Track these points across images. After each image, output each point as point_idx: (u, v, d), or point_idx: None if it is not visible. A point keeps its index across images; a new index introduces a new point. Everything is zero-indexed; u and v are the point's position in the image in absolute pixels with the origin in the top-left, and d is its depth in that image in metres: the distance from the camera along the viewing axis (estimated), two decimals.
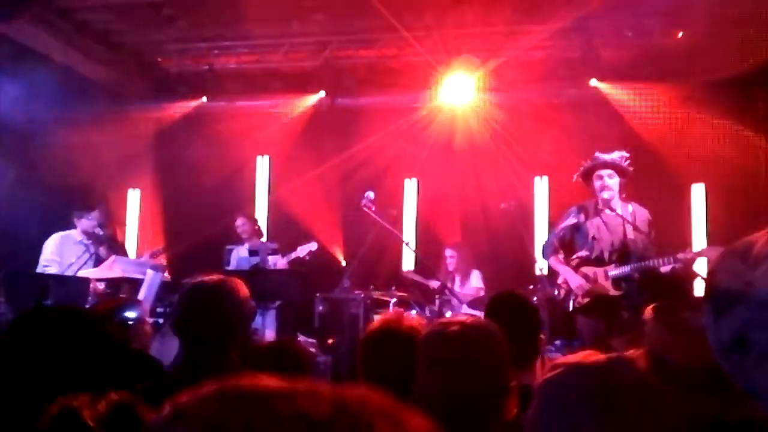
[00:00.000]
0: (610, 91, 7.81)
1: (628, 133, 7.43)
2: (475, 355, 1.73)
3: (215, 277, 2.49)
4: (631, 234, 5.34)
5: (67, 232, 6.52)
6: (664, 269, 5.12)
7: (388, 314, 2.47)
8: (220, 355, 2.33)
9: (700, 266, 7.02)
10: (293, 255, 7.02)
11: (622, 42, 7.80)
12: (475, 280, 7.25)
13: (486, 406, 1.69)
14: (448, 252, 7.38)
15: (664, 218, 6.32)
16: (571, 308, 5.43)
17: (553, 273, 5.66)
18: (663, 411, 1.15)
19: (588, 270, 5.37)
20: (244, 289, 2.46)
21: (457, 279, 7.31)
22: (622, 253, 5.35)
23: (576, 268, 5.42)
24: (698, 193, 7.98)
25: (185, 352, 2.41)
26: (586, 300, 5.33)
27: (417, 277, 7.30)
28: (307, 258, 7.03)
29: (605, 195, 5.34)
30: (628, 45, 7.82)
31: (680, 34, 7.60)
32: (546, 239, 5.87)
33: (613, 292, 5.29)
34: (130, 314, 3.29)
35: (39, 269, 6.40)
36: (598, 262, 5.38)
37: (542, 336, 2.76)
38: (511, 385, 1.77)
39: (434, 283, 6.97)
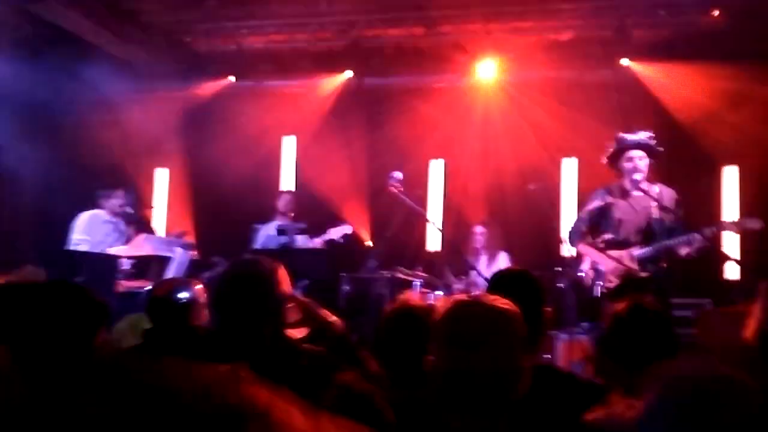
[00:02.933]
0: (642, 70, 7.68)
1: (659, 114, 7.30)
2: (488, 336, 1.71)
3: (257, 257, 2.60)
4: (656, 214, 5.28)
5: (95, 211, 6.60)
6: (686, 250, 5.05)
7: (406, 295, 2.48)
8: (252, 330, 2.39)
9: (732, 248, 6.94)
10: (326, 237, 7.02)
11: (655, 20, 7.65)
12: (503, 262, 7.19)
13: (499, 386, 1.68)
14: (478, 229, 7.29)
15: (695, 201, 6.23)
16: (598, 294, 5.38)
17: (580, 257, 5.62)
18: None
19: (614, 253, 5.33)
20: (282, 272, 2.53)
21: (484, 259, 7.23)
22: (647, 233, 5.29)
23: (602, 251, 5.37)
24: (730, 175, 7.83)
25: (220, 325, 2.53)
26: (613, 284, 5.29)
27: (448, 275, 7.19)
28: (342, 241, 7.04)
29: (636, 176, 5.26)
30: (661, 23, 7.67)
31: (716, 13, 7.43)
32: (572, 225, 5.80)
33: (641, 273, 5.24)
34: (183, 295, 3.35)
35: (71, 247, 6.49)
36: (625, 244, 5.33)
37: (547, 310, 2.70)
38: (525, 366, 1.77)
39: (457, 285, 6.88)
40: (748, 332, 2.22)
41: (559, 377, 2.43)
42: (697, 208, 6.42)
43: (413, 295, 2.50)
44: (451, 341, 1.73)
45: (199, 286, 3.46)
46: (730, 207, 7.68)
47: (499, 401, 1.70)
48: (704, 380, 1.20)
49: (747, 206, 7.43)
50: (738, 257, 6.70)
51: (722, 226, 5.27)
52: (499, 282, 2.77)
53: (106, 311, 2.10)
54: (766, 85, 7.16)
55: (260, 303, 2.47)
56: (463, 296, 1.90)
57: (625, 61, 7.68)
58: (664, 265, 5.31)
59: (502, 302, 1.81)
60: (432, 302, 2.80)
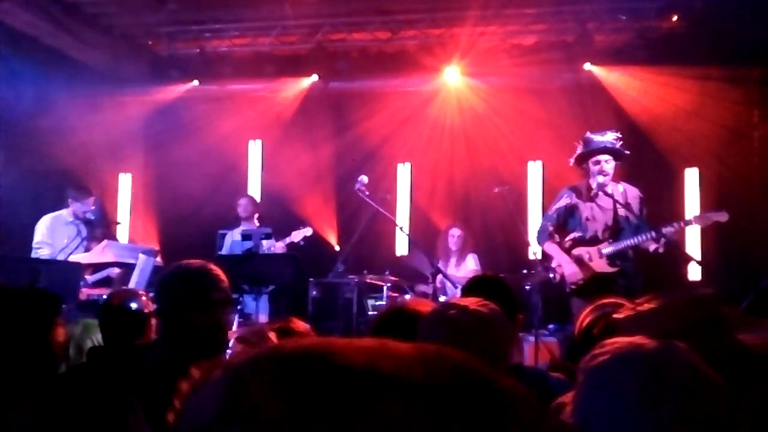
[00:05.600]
0: (604, 75, 7.79)
1: (622, 117, 7.41)
2: (469, 340, 1.69)
3: (192, 262, 2.59)
4: (622, 213, 5.37)
5: (57, 213, 6.46)
6: (654, 246, 5.14)
7: (405, 299, 2.46)
8: (192, 336, 2.40)
9: (694, 248, 7.07)
10: (288, 240, 7.00)
11: (616, 26, 7.78)
12: (471, 264, 7.22)
13: None
14: (455, 231, 7.26)
15: (656, 203, 6.33)
16: (567, 290, 5.45)
17: (547, 257, 5.67)
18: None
19: (581, 251, 5.40)
20: (211, 276, 2.52)
21: (453, 261, 7.25)
22: (615, 230, 5.39)
23: (570, 249, 5.44)
24: (692, 177, 7.98)
25: (164, 334, 2.56)
26: (582, 281, 5.36)
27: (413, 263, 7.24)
28: (302, 243, 7.02)
29: (601, 179, 5.34)
30: (622, 28, 7.80)
31: (675, 18, 7.57)
32: (540, 224, 5.87)
33: (608, 269, 5.31)
34: (133, 305, 3.35)
35: (32, 252, 6.34)
36: (592, 242, 5.40)
37: (520, 316, 2.74)
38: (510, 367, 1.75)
39: (424, 289, 6.94)
40: None
41: (530, 376, 2.45)
42: (659, 209, 6.53)
43: (416, 299, 2.48)
44: (431, 341, 1.71)
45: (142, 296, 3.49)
46: (691, 208, 7.82)
47: None
48: (655, 351, 1.20)
49: (707, 207, 7.57)
50: (699, 258, 6.83)
51: (689, 220, 5.37)
52: (473, 287, 2.78)
53: (57, 304, 2.07)
54: (724, 89, 7.32)
55: (201, 295, 2.48)
56: (449, 301, 1.88)
57: (587, 66, 7.78)
58: (632, 261, 5.41)
59: (487, 308, 1.78)
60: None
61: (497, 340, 1.72)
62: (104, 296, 5.98)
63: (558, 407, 1.89)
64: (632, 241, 5.26)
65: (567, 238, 5.48)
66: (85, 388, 1.89)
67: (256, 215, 7.55)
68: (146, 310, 3.41)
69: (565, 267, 5.40)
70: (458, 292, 6.36)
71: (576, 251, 5.42)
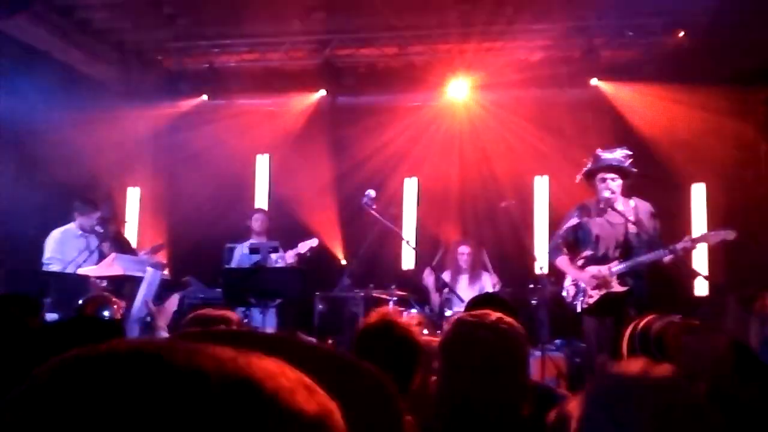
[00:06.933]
0: (610, 90, 7.81)
1: (628, 133, 7.42)
2: (496, 360, 1.71)
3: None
4: (633, 229, 5.37)
5: (66, 226, 6.51)
6: (667, 259, 5.15)
7: (382, 310, 2.45)
8: None
9: (701, 263, 7.05)
10: (295, 251, 7.03)
11: (623, 41, 7.81)
12: (488, 283, 7.12)
13: (505, 406, 1.68)
14: (463, 248, 7.13)
15: (663, 218, 6.32)
16: (579, 309, 5.44)
17: (556, 273, 5.68)
18: None
19: (593, 269, 5.41)
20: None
21: (465, 278, 7.17)
22: (626, 248, 5.38)
23: (582, 268, 5.45)
24: (698, 193, 7.97)
25: None
26: (594, 299, 5.35)
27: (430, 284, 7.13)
28: (308, 254, 7.03)
29: (607, 195, 5.36)
30: (629, 44, 7.82)
31: (681, 34, 7.60)
32: (551, 242, 5.88)
33: (618, 288, 5.31)
34: (106, 313, 3.37)
35: (43, 268, 6.38)
36: (604, 259, 5.41)
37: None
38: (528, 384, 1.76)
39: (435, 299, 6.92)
40: (721, 346, 2.24)
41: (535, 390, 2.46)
42: (666, 224, 6.52)
43: (391, 310, 2.46)
44: (460, 364, 1.71)
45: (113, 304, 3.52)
46: (698, 224, 7.81)
47: (509, 422, 1.69)
48: (666, 384, 1.21)
49: (714, 223, 7.56)
50: (706, 273, 6.81)
51: (697, 238, 5.37)
52: (475, 306, 2.81)
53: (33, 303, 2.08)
54: (731, 103, 7.33)
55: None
56: (468, 317, 1.88)
57: (594, 81, 7.81)
58: (644, 278, 5.40)
59: (506, 321, 1.80)
60: (409, 318, 2.80)
61: (514, 353, 1.74)
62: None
63: (562, 418, 1.88)
64: (642, 259, 5.26)
65: (579, 257, 5.50)
66: None
67: (267, 229, 7.58)
68: (117, 317, 3.44)
69: (581, 277, 5.41)
70: (463, 307, 6.35)
71: (588, 269, 5.44)
